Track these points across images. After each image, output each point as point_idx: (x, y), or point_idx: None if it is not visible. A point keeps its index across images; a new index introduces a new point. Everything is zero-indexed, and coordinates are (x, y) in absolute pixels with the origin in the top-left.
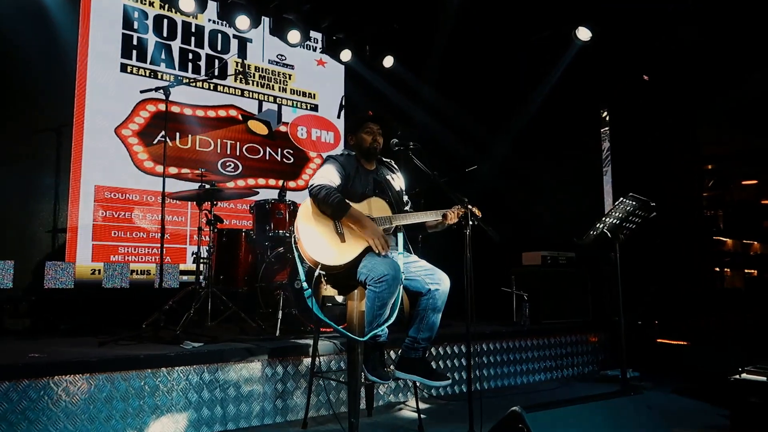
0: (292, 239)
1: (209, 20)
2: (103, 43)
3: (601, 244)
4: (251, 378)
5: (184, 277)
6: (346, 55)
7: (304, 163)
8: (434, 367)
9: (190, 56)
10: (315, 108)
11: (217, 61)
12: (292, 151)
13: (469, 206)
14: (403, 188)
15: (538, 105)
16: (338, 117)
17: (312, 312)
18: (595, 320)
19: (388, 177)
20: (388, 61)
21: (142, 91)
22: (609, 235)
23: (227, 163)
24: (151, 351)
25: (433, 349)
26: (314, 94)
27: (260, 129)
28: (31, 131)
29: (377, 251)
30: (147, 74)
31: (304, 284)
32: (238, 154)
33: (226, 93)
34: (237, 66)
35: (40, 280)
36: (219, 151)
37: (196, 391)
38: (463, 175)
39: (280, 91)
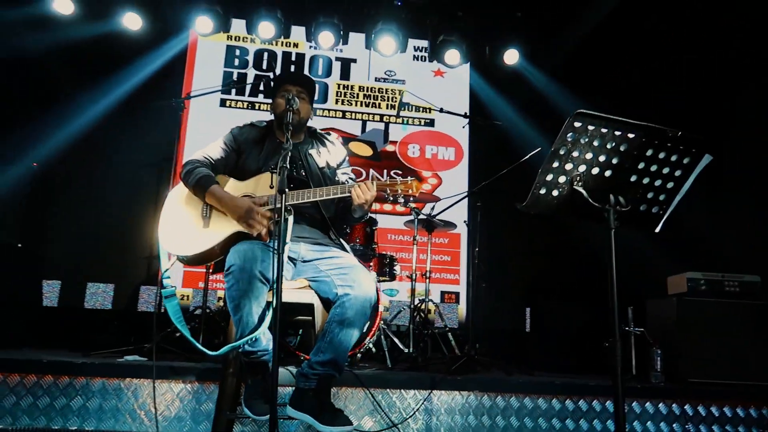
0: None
1: (310, 47)
2: (205, 82)
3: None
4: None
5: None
6: (453, 57)
7: None
8: (338, 406)
9: None
10: (431, 123)
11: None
12: (400, 172)
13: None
14: (334, 164)
15: None
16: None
17: None
18: None
19: (312, 151)
20: (512, 57)
21: (151, 104)
22: (586, 195)
23: None
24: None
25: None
26: (429, 108)
27: (363, 150)
28: (138, 165)
29: (249, 231)
30: (245, 106)
31: (166, 281)
32: None
33: (325, 117)
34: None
35: (135, 303)
36: None
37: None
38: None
39: (387, 108)
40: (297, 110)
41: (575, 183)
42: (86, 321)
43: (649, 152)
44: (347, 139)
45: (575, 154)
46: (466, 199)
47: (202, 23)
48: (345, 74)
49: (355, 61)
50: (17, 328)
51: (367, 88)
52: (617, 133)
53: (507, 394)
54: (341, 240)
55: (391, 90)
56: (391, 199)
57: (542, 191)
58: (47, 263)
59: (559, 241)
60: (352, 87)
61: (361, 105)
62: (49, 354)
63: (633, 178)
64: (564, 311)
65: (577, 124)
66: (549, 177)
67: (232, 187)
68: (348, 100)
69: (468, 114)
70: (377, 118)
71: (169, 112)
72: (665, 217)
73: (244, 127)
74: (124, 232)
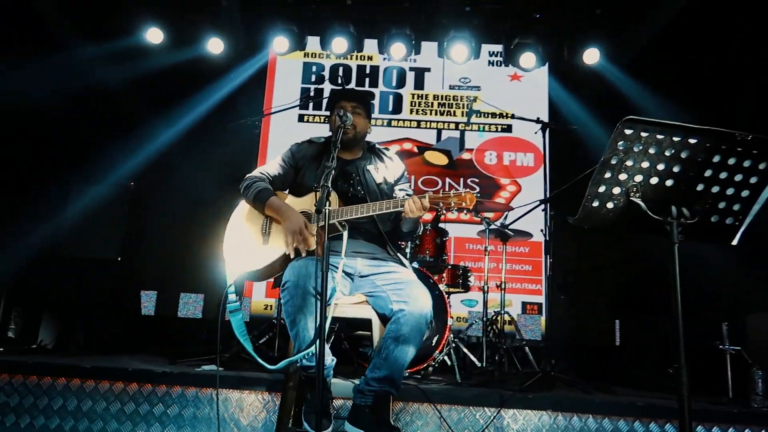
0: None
1: (384, 58)
2: (284, 98)
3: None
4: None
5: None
6: (528, 60)
7: (494, 191)
8: (395, 423)
9: None
10: (508, 129)
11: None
12: (477, 180)
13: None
14: (391, 179)
15: None
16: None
17: None
18: None
19: (370, 167)
20: (592, 56)
21: (229, 125)
22: (645, 208)
23: None
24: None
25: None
26: (506, 114)
27: (439, 159)
28: (221, 181)
29: (287, 251)
30: (321, 120)
31: (232, 296)
32: (413, 188)
33: (399, 127)
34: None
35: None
36: None
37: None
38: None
39: (462, 116)
40: (352, 125)
41: (632, 194)
42: (179, 329)
43: (717, 158)
44: (422, 148)
45: (629, 163)
46: (544, 206)
47: (280, 43)
48: (419, 84)
49: (429, 70)
50: (118, 335)
51: (442, 96)
52: (676, 138)
53: (584, 415)
54: (399, 255)
55: (467, 97)
56: (444, 211)
57: (595, 204)
58: (144, 275)
59: (646, 249)
60: (426, 96)
61: (436, 114)
62: (140, 361)
63: (700, 187)
64: (656, 324)
65: (627, 132)
66: (601, 189)
67: (290, 203)
68: (423, 110)
69: (541, 118)
70: (452, 126)
71: (247, 130)
72: (743, 228)
73: (303, 143)
74: (210, 246)
